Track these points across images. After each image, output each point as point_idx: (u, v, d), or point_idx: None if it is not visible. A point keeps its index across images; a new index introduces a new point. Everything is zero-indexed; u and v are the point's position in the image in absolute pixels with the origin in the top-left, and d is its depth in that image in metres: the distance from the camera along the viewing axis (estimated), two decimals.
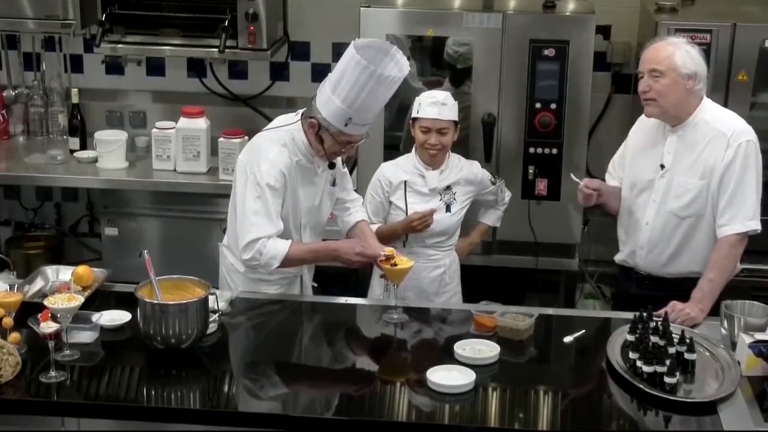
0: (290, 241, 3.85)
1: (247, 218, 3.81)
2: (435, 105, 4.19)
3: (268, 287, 4.03)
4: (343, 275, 5.27)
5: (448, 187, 4.33)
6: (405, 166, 4.35)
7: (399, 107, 4.89)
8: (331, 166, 3.95)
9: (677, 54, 3.79)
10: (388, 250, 3.88)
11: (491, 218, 4.61)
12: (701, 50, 3.91)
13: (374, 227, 4.29)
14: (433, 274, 4.35)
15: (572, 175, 4.21)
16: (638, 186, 4.03)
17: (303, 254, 3.91)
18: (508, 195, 4.59)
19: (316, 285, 4.31)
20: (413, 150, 4.35)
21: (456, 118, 4.25)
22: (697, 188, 3.88)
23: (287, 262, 3.83)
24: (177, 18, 5.35)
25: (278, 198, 3.83)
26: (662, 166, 3.94)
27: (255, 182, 3.80)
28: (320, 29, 5.70)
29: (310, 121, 3.81)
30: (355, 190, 4.86)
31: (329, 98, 3.74)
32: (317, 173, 3.96)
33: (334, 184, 4.09)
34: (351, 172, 5.25)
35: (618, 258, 4.17)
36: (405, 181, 4.31)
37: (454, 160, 4.38)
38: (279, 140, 3.88)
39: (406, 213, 4.27)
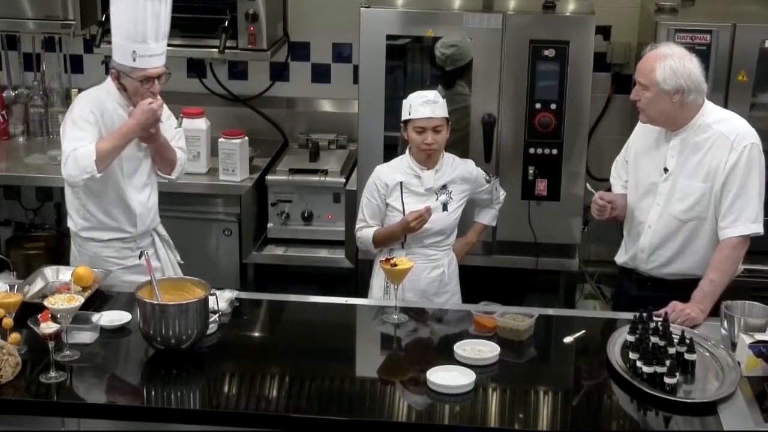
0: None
1: (64, 145, 4.09)
2: (427, 104, 4.20)
3: (104, 249, 4.23)
4: (344, 276, 5.28)
5: (444, 186, 4.33)
6: (400, 168, 4.34)
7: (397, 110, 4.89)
8: None
9: (658, 69, 3.76)
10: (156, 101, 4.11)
11: (487, 217, 4.61)
12: (700, 54, 3.90)
13: (372, 230, 4.31)
14: (433, 274, 4.35)
15: (588, 185, 4.21)
16: (641, 189, 4.02)
17: (111, 141, 4.07)
18: (503, 194, 4.59)
19: (182, 263, 4.48)
20: (407, 151, 4.35)
21: (447, 115, 4.26)
22: (700, 191, 3.87)
23: (102, 155, 4.02)
24: (177, 18, 5.28)
25: (93, 128, 4.09)
26: (666, 170, 3.93)
27: (70, 121, 4.12)
28: (320, 29, 5.69)
29: (111, 72, 4.17)
30: (354, 191, 4.86)
31: (114, 42, 4.12)
32: None
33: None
34: (350, 173, 5.26)
35: (619, 260, 4.16)
36: (401, 183, 4.30)
37: (449, 159, 4.37)
38: (92, 93, 4.23)
39: (404, 214, 4.26)
